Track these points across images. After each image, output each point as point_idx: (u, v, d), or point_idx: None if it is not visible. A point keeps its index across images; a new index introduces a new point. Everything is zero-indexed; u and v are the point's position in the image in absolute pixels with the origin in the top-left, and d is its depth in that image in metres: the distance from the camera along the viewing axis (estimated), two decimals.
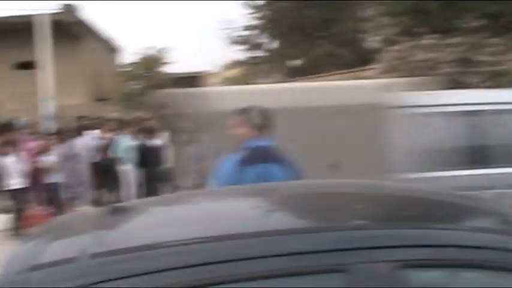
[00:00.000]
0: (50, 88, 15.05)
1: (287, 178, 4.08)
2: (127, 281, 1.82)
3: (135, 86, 19.04)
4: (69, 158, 12.71)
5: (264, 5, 24.40)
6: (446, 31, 14.15)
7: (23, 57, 18.71)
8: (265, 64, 25.82)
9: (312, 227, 2.19)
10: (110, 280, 1.82)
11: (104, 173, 13.41)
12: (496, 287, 2.00)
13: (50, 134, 13.10)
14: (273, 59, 24.88)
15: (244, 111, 4.38)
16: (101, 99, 18.85)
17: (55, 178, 11.99)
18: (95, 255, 1.94)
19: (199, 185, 6.12)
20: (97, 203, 13.27)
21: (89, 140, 13.56)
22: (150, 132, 12.96)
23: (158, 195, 12.06)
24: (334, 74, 18.27)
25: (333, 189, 2.98)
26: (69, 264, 1.91)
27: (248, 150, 4.28)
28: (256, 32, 25.11)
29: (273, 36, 25.02)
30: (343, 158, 6.18)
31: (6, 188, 11.62)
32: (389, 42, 15.84)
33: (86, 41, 19.54)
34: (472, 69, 12.78)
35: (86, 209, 3.72)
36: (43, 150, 12.07)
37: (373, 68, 17.22)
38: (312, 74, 19.47)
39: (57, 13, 16.58)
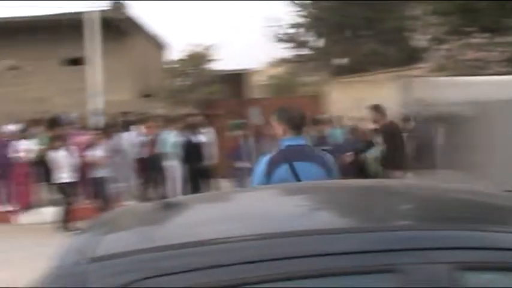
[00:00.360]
0: (98, 84, 15.26)
1: (319, 176, 4.18)
2: (180, 276, 1.83)
3: (181, 82, 19.14)
4: (116, 153, 12.88)
5: (309, 3, 24.33)
6: (496, 30, 13.92)
7: (73, 54, 19.00)
8: (311, 62, 25.74)
9: (366, 226, 2.16)
10: (162, 275, 1.83)
11: (150, 168, 13.55)
12: None
13: (97, 129, 13.27)
14: (318, 57, 24.78)
15: (280, 113, 4.51)
16: (147, 95, 19.02)
17: (102, 173, 12.16)
18: (148, 250, 1.96)
19: None
20: (142, 198, 13.43)
21: (135, 135, 13.69)
22: (195, 128, 13.04)
23: (202, 191, 12.18)
24: (380, 73, 18.11)
25: (387, 189, 2.95)
26: (125, 258, 1.93)
27: (279, 149, 4.44)
28: (301, 30, 25.06)
29: (319, 34, 24.93)
30: None
31: (56, 182, 11.83)
32: (438, 41, 15.65)
33: (134, 37, 19.74)
34: None
35: (137, 204, 3.78)
36: (90, 145, 12.25)
37: (420, 67, 17.03)
38: (357, 72, 19.34)
39: (106, 10, 16.78)
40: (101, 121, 14.78)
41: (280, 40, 24.90)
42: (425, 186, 2.99)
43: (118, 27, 18.09)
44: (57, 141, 12.15)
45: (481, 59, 13.45)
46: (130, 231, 2.34)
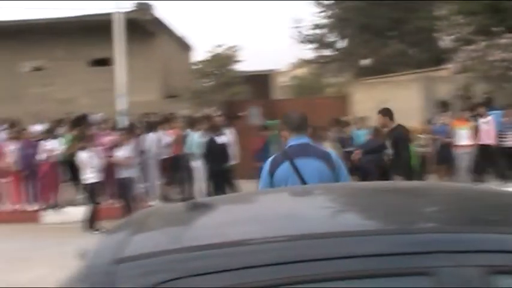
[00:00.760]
0: (123, 84, 15.35)
1: (320, 171, 4.47)
2: (209, 277, 1.83)
3: (205, 83, 19.18)
4: (141, 153, 12.96)
5: (334, 4, 24.26)
6: None
7: (99, 55, 19.16)
8: (335, 63, 25.67)
9: (398, 228, 2.15)
10: (191, 276, 1.84)
11: (174, 168, 13.62)
12: None
13: (123, 130, 13.36)
14: (342, 58, 24.71)
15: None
16: (172, 96, 19.10)
17: (127, 173, 12.23)
18: (177, 251, 1.97)
19: None
20: (166, 198, 13.50)
21: (160, 136, 13.76)
22: (217, 129, 13.07)
23: (224, 191, 12.20)
24: (404, 74, 18.02)
25: (416, 190, 2.93)
26: (154, 258, 1.94)
27: (284, 149, 4.78)
28: (325, 30, 24.99)
29: (343, 35, 24.85)
30: None
31: (83, 182, 11.93)
32: (464, 41, 15.51)
33: (159, 38, 19.84)
34: None
35: (166, 204, 3.82)
36: (116, 146, 12.34)
37: (446, 68, 16.91)
38: (381, 73, 19.24)
39: (132, 12, 16.89)
40: (125, 121, 14.87)
41: (305, 41, 24.86)
42: (454, 188, 2.97)
43: (144, 28, 18.20)
44: (83, 141, 12.25)
45: (508, 59, 13.31)
46: (159, 232, 2.36)
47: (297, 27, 24.41)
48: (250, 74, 20.17)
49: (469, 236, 2.00)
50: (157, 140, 13.63)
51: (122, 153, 12.26)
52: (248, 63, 20.57)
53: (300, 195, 3.01)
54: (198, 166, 12.97)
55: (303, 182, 4.40)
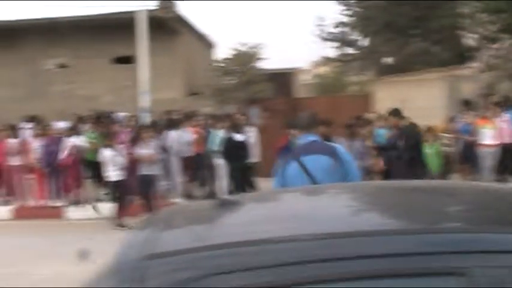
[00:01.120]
0: (146, 82, 15.42)
1: (327, 166, 4.57)
2: (238, 275, 1.84)
3: (228, 81, 19.17)
4: (163, 151, 13.01)
5: (356, 2, 24.14)
6: None
7: (122, 52, 19.24)
8: (357, 61, 25.54)
9: (429, 227, 2.12)
10: (221, 273, 1.84)
11: (197, 166, 13.65)
12: None
13: (145, 127, 13.41)
14: (364, 57, 24.58)
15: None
16: (194, 93, 19.13)
17: (149, 170, 12.28)
18: (207, 248, 1.98)
19: None
20: (188, 196, 13.55)
21: (182, 134, 13.79)
22: (238, 127, 13.07)
23: (244, 189, 12.21)
24: (428, 72, 17.88)
25: (443, 190, 2.91)
26: (184, 255, 1.95)
27: (294, 147, 5.01)
28: (348, 29, 24.87)
29: (365, 33, 24.71)
30: None
31: (106, 179, 12.01)
32: (488, 39, 15.37)
33: (182, 36, 19.87)
34: None
35: (194, 202, 3.87)
36: (138, 143, 12.39)
37: (470, 67, 16.77)
38: (404, 72, 19.11)
39: (155, 9, 16.94)
40: (148, 119, 14.94)
41: (327, 39, 24.76)
42: (480, 187, 2.94)
43: (167, 26, 18.24)
44: (106, 138, 12.34)
45: None
46: (188, 229, 2.36)
47: (319, 25, 24.32)
48: (272, 72, 20.13)
49: (498, 236, 1.98)
50: (179, 138, 13.67)
51: (144, 150, 12.32)
52: (271, 61, 20.48)
53: (326, 194, 3.00)
54: (220, 164, 12.99)
55: (311, 178, 4.47)
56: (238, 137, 12.81)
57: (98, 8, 19.32)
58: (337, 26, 24.29)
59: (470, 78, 15.91)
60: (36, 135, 13.97)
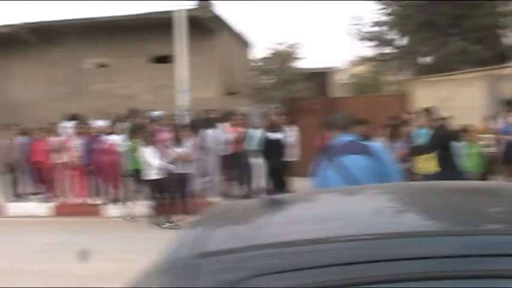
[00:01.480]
0: (184, 81, 15.53)
1: (363, 166, 4.55)
2: (291, 274, 1.83)
3: (265, 80, 19.18)
4: (201, 150, 13.07)
5: (394, 1, 23.93)
6: None
7: (160, 52, 19.41)
8: (394, 61, 25.33)
9: (476, 229, 2.10)
10: (274, 273, 1.84)
11: (235, 165, 13.69)
12: None
13: (183, 126, 13.49)
14: (402, 56, 24.35)
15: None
16: (232, 93, 19.20)
17: (186, 169, 12.36)
18: (259, 247, 1.98)
19: None
20: (226, 195, 13.59)
21: (220, 132, 13.84)
22: (275, 126, 13.06)
23: (282, 188, 12.21)
24: (466, 72, 17.66)
25: (486, 191, 2.86)
26: (236, 254, 1.95)
27: (331, 147, 4.95)
28: (385, 28, 24.67)
29: (403, 32, 24.48)
30: None
31: (146, 178, 12.11)
32: None
33: (219, 36, 19.96)
34: None
35: (244, 200, 3.90)
36: (176, 142, 12.47)
37: (510, 66, 16.52)
38: (442, 71, 18.91)
39: (193, 9, 17.05)
40: (186, 118, 15.03)
41: (364, 38, 24.61)
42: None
43: (204, 26, 18.35)
44: (138, 135, 12.43)
45: None
46: (239, 228, 2.36)
47: (356, 24, 24.19)
48: (309, 72, 20.09)
49: None
50: (217, 137, 13.73)
51: (181, 149, 12.40)
52: (308, 60, 20.47)
53: (368, 194, 2.97)
54: (258, 163, 13.01)
55: (351, 179, 4.44)
56: (273, 136, 12.80)
57: (137, 8, 19.55)
58: (374, 25, 24.12)
59: (510, 78, 15.66)
60: (77, 134, 14.15)
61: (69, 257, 9.37)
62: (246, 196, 12.58)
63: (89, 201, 13.87)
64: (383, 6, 23.83)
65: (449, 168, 9.59)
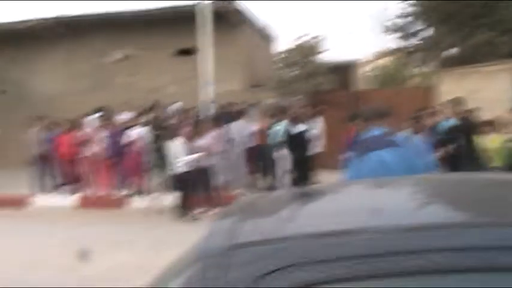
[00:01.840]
0: (209, 74, 15.55)
1: (397, 159, 4.48)
2: (322, 265, 1.82)
3: (290, 73, 19.14)
4: (225, 142, 13.08)
5: None
6: None
7: (184, 44, 19.43)
8: (419, 53, 25.11)
9: (506, 221, 2.05)
10: (305, 264, 1.83)
11: (259, 158, 13.68)
12: None
13: (206, 119, 13.52)
14: (427, 48, 24.14)
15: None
16: (255, 85, 19.18)
17: (210, 161, 12.38)
18: (290, 238, 1.97)
19: None
20: (251, 187, 13.60)
21: (244, 125, 13.84)
22: (301, 119, 13.02)
23: (306, 181, 12.18)
24: (493, 64, 17.47)
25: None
26: (268, 246, 1.94)
27: (362, 141, 4.87)
28: (410, 19, 24.46)
29: (428, 24, 24.26)
30: None
31: (172, 171, 12.16)
32: None
33: (243, 29, 19.94)
34: None
35: (273, 192, 3.90)
36: (199, 135, 12.49)
37: None
38: (468, 63, 18.71)
39: (217, 2, 17.03)
40: (210, 111, 15.05)
41: (388, 30, 24.43)
42: None
43: (228, 19, 18.34)
44: (158, 128, 12.49)
45: None
46: (269, 219, 2.36)
47: (381, 16, 24.04)
48: (333, 64, 20.01)
49: None
50: (242, 129, 13.73)
51: (204, 142, 12.42)
52: (331, 53, 20.39)
53: (401, 186, 2.93)
54: (282, 155, 12.98)
55: (379, 172, 4.40)
56: (296, 128, 12.76)
57: (161, 2, 19.61)
58: (399, 17, 23.94)
59: None
60: (102, 127, 14.25)
61: (94, 249, 9.49)
62: (270, 189, 12.57)
63: (114, 193, 13.97)
64: None
65: (473, 160, 9.52)
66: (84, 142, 14.09)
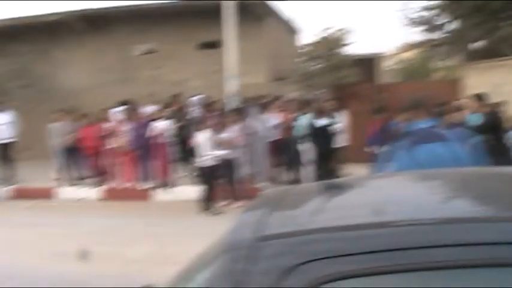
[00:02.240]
0: (233, 67, 15.55)
1: (439, 155, 4.25)
2: (350, 258, 1.83)
3: (314, 66, 19.07)
4: (249, 135, 13.08)
5: None
6: None
7: (208, 37, 19.47)
8: (444, 46, 24.85)
9: None
10: (334, 256, 1.84)
11: (283, 151, 13.67)
12: None
13: (231, 112, 13.54)
14: (452, 41, 23.88)
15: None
16: (279, 78, 19.16)
17: (233, 154, 12.40)
18: (319, 231, 1.98)
19: None
20: (275, 180, 13.60)
21: (269, 118, 13.82)
22: (325, 112, 12.96)
23: (330, 175, 12.12)
24: None
25: None
26: (296, 237, 1.95)
27: (412, 133, 4.57)
28: (435, 12, 24.21)
29: (454, 16, 23.99)
30: None
31: (198, 164, 12.20)
32: None
33: (268, 21, 19.91)
34: None
35: (301, 184, 3.86)
36: (223, 128, 12.51)
37: None
38: (494, 57, 18.51)
39: None
40: (235, 103, 15.07)
41: (413, 23, 24.21)
42: None
43: (253, 12, 18.32)
44: (201, 124, 12.52)
45: None
46: (297, 211, 2.36)
47: (406, 9, 23.80)
48: (357, 57, 19.91)
49: None
50: (266, 122, 13.72)
51: (228, 134, 12.44)
52: (356, 46, 20.29)
53: (434, 179, 2.90)
54: (306, 149, 12.95)
55: (423, 166, 4.28)
56: (319, 122, 12.71)
57: None
58: (424, 9, 23.71)
59: None
60: (127, 119, 14.33)
61: (120, 241, 9.57)
62: (294, 182, 12.55)
63: (139, 185, 14.06)
64: None
65: (500, 154, 9.41)
66: (110, 134, 14.19)
